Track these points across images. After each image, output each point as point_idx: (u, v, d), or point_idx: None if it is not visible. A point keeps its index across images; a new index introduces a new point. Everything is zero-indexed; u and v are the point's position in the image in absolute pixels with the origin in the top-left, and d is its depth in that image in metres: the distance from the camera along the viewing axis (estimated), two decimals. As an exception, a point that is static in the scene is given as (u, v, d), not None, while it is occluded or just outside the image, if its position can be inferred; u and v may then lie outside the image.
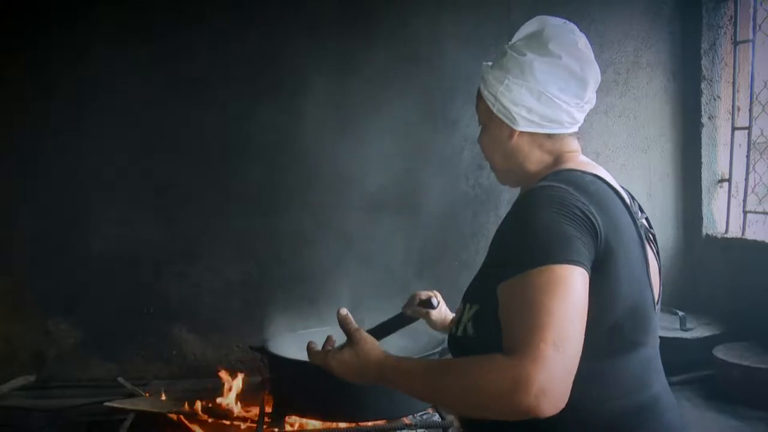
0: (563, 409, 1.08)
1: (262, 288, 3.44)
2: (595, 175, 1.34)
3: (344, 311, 1.44)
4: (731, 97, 3.68)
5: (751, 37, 3.59)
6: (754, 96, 3.57)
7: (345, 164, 3.42)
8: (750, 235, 3.60)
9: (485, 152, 1.49)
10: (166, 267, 3.43)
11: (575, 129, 1.42)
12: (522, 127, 1.38)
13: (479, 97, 1.45)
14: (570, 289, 1.12)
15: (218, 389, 3.08)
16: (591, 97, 1.40)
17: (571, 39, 1.38)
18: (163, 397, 3.06)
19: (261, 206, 3.45)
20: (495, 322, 1.19)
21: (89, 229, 3.35)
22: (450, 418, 2.53)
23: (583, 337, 1.12)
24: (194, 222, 3.43)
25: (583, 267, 1.15)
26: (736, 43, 3.66)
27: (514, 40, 1.45)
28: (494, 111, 1.40)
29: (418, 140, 3.54)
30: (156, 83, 3.36)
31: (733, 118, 3.69)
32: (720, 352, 3.11)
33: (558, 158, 1.41)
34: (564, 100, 1.35)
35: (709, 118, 3.71)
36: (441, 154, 3.58)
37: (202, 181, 3.42)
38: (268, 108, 3.41)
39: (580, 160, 1.40)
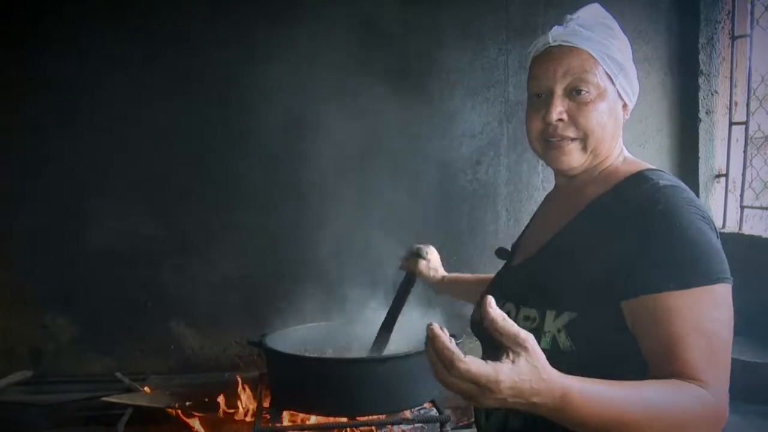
0: None
1: (260, 283, 3.44)
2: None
3: (493, 303, 0.93)
4: (729, 92, 3.68)
5: (748, 31, 3.60)
6: (752, 91, 3.57)
7: (342, 159, 3.41)
8: (747, 230, 3.61)
9: (596, 122, 1.26)
10: (164, 261, 3.43)
11: None
12: (633, 103, 1.34)
13: (590, 62, 1.27)
14: (729, 311, 1.11)
15: (216, 384, 3.08)
16: None
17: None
18: (154, 390, 3.06)
19: (259, 201, 3.45)
20: (600, 332, 1.15)
21: (87, 224, 3.35)
22: (447, 412, 2.53)
23: None
24: (192, 216, 3.43)
25: (731, 282, 1.13)
26: (733, 38, 3.66)
27: (596, 16, 1.33)
28: (615, 83, 1.28)
29: (416, 135, 3.53)
30: (153, 78, 3.35)
31: (730, 113, 3.69)
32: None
33: (622, 151, 1.36)
34: None
35: (706, 113, 3.71)
36: (439, 148, 3.58)
37: (200, 176, 3.42)
38: (267, 103, 3.40)
39: (634, 157, 1.38)
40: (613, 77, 1.27)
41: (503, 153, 3.63)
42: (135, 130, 3.36)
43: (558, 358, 1.06)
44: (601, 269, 1.16)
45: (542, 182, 3.63)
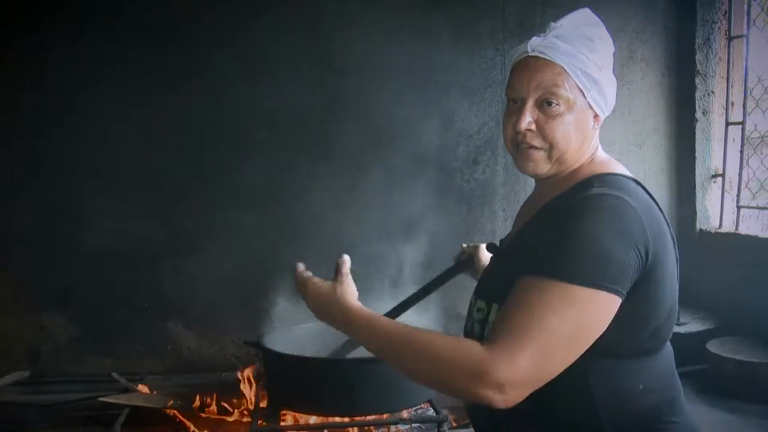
0: (615, 400, 1.21)
1: (257, 283, 3.41)
2: (633, 179, 1.34)
3: (347, 257, 1.42)
4: (725, 92, 3.69)
5: (745, 32, 3.61)
6: (748, 91, 3.58)
7: (339, 159, 3.42)
8: (743, 230, 3.62)
9: (562, 134, 1.31)
10: (162, 261, 3.43)
11: None
12: (606, 114, 1.37)
13: (561, 76, 1.30)
14: (580, 314, 1.14)
15: (212, 385, 3.08)
16: None
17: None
18: (147, 390, 3.07)
19: (256, 200, 3.45)
20: None
21: (84, 224, 3.34)
22: (445, 412, 2.53)
23: (572, 358, 1.15)
24: (189, 216, 3.42)
25: (615, 294, 1.15)
26: (730, 38, 3.66)
27: (579, 25, 1.35)
28: (587, 96, 1.31)
29: (412, 135, 3.53)
30: (151, 77, 3.34)
31: (726, 113, 3.70)
32: (713, 347, 3.13)
33: (594, 152, 1.39)
34: None
35: (703, 113, 3.72)
36: (436, 148, 3.58)
37: (197, 175, 3.41)
38: (264, 102, 3.40)
39: (605, 159, 1.39)
40: (584, 91, 1.31)
41: (500, 153, 3.63)
42: (133, 129, 3.35)
43: None
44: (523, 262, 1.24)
45: (539, 182, 3.63)
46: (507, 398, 1.10)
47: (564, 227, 1.19)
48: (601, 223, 1.17)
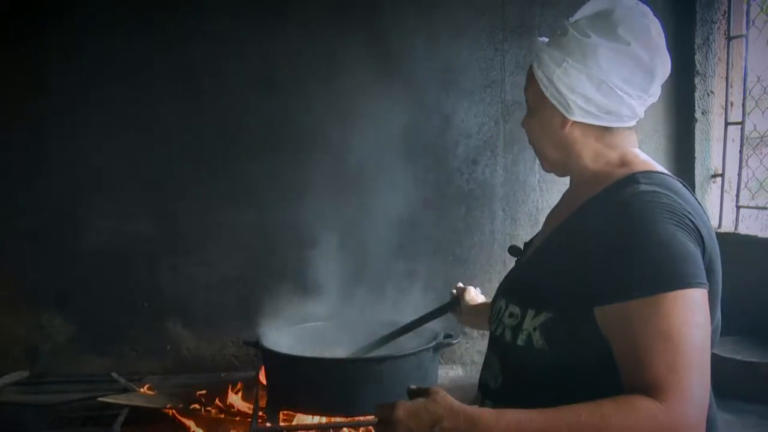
0: None
1: (257, 283, 3.43)
2: (681, 181, 1.26)
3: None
4: (724, 92, 3.69)
5: (744, 32, 3.61)
6: (747, 91, 3.58)
7: (339, 160, 3.42)
8: (743, 230, 3.61)
9: (532, 138, 1.36)
10: (160, 262, 3.43)
11: (634, 123, 1.30)
12: (577, 116, 1.24)
13: (530, 76, 1.30)
14: (704, 316, 1.07)
15: (211, 384, 3.08)
16: (656, 90, 1.29)
17: (643, 24, 1.25)
18: (147, 390, 3.06)
19: (255, 200, 3.45)
20: (573, 334, 1.14)
21: (83, 224, 3.34)
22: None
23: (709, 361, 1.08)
24: (188, 216, 3.42)
25: (707, 288, 1.10)
26: (729, 38, 3.66)
27: (577, 17, 1.26)
28: (547, 95, 1.25)
29: (412, 135, 3.53)
30: (149, 78, 3.35)
31: (726, 113, 3.70)
32: (713, 347, 3.13)
33: (624, 155, 1.29)
34: (627, 92, 1.23)
35: (702, 113, 3.72)
36: (436, 148, 3.58)
37: (195, 175, 3.42)
38: (262, 103, 3.41)
39: (646, 160, 1.30)
40: (544, 90, 1.27)
41: (500, 153, 3.63)
42: (132, 130, 3.35)
43: (532, 356, 1.19)
44: (577, 273, 1.16)
45: (539, 182, 3.64)
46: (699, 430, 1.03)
47: (624, 234, 1.12)
48: (670, 223, 1.11)
